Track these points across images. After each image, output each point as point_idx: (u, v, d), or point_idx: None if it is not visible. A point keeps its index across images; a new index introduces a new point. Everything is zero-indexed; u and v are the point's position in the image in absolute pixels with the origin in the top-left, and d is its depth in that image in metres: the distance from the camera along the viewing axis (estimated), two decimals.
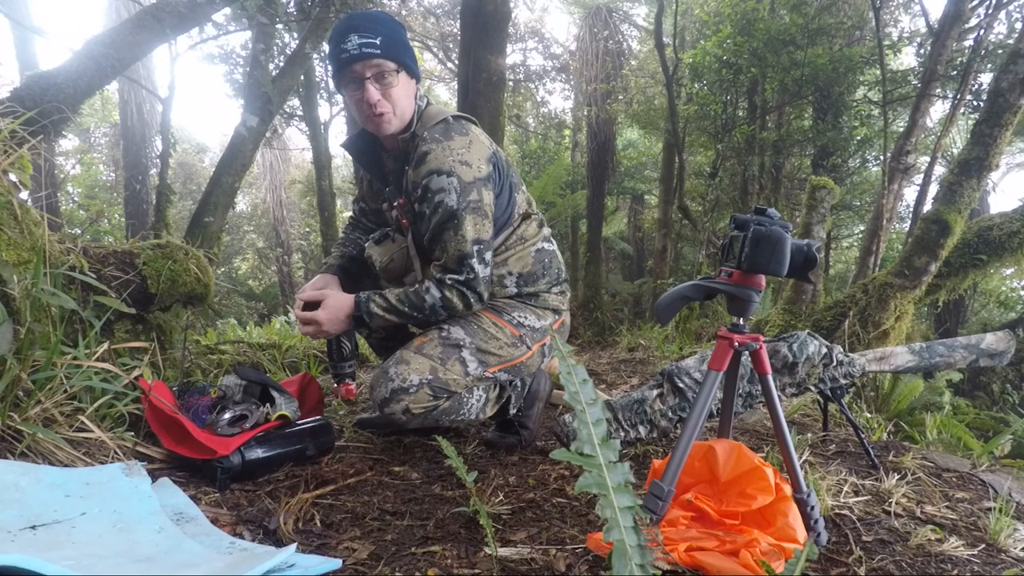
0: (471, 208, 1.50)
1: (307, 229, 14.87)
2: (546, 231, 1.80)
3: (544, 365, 1.83)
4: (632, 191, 11.28)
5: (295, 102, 7.76)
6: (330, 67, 1.60)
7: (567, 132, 11.82)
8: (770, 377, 1.17)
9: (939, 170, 5.65)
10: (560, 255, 1.82)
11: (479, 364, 1.61)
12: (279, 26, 4.16)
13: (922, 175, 4.95)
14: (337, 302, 1.59)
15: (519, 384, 1.81)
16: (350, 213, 1.99)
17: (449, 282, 1.55)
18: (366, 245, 1.77)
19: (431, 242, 1.57)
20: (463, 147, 1.51)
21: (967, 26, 4.71)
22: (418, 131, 1.55)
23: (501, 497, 1.41)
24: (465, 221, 1.49)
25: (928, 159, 5.25)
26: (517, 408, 1.82)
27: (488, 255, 1.57)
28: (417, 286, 1.57)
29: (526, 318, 1.70)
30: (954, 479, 1.64)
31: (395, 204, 1.63)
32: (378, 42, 1.47)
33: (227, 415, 1.52)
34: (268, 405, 1.60)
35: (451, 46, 10.16)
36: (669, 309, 1.19)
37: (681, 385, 1.79)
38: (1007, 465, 2.01)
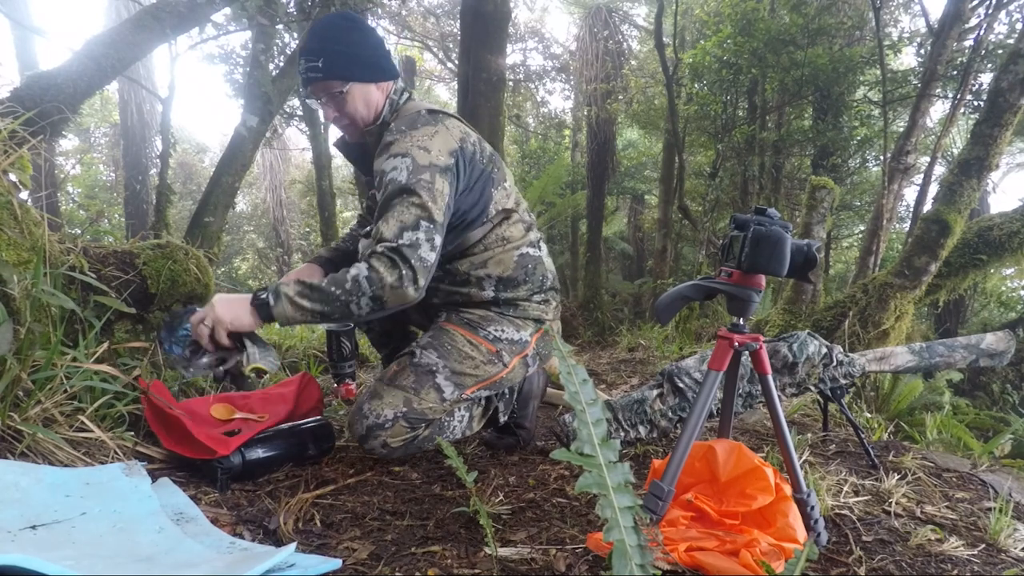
0: (422, 186, 1.39)
1: (307, 229, 14.86)
2: (533, 236, 1.70)
3: (531, 372, 1.75)
4: (632, 191, 11.29)
5: (295, 102, 7.75)
6: None
7: (567, 132, 11.83)
8: (770, 377, 1.17)
9: (939, 170, 5.66)
10: (549, 263, 1.72)
11: (455, 387, 1.54)
12: (279, 26, 4.16)
13: (922, 175, 4.95)
14: (228, 297, 1.42)
15: (507, 392, 1.76)
16: (351, 213, 2.00)
17: (380, 249, 1.36)
18: (361, 234, 1.75)
19: (377, 215, 1.43)
20: (426, 135, 1.45)
21: (967, 26, 4.71)
22: (391, 123, 1.54)
23: (501, 497, 1.41)
24: (413, 196, 1.38)
25: (928, 159, 5.25)
26: (509, 412, 1.80)
27: (437, 239, 1.40)
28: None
29: (503, 331, 1.61)
30: (954, 479, 1.64)
31: (370, 196, 1.62)
32: (320, 64, 1.46)
33: (204, 359, 1.39)
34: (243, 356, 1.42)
35: (451, 46, 10.16)
36: (669, 309, 1.19)
37: (681, 385, 1.79)
38: (1007, 465, 2.01)
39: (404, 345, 1.71)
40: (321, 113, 1.61)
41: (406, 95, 1.61)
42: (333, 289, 1.35)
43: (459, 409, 1.64)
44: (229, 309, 1.39)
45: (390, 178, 1.41)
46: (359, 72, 1.51)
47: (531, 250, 1.66)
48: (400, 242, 1.35)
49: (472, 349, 1.57)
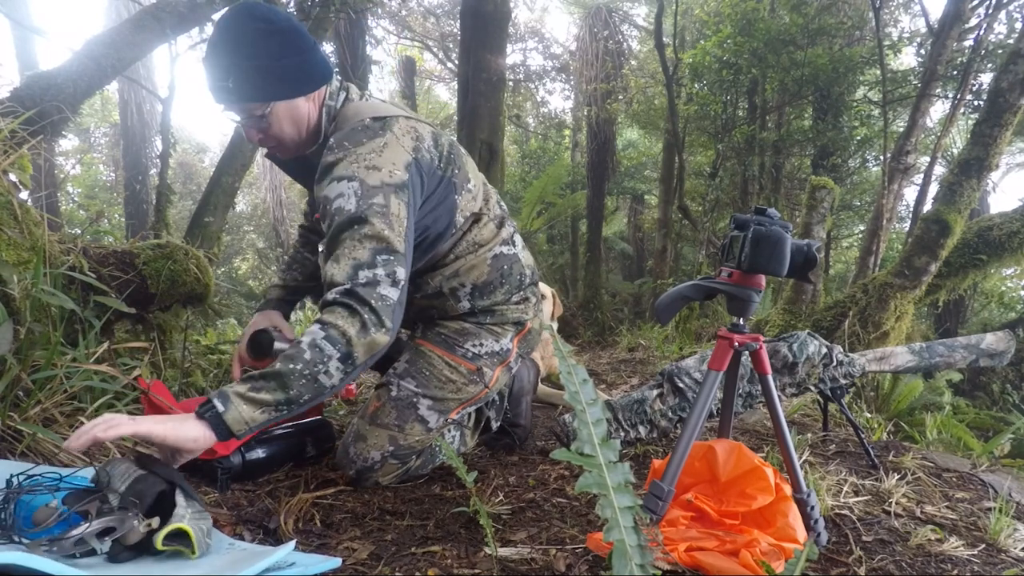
0: (374, 212, 1.18)
1: None
2: (506, 232, 1.56)
3: (516, 371, 1.69)
4: (632, 191, 11.28)
5: None
6: None
7: (567, 132, 11.82)
8: (770, 377, 1.17)
9: (939, 170, 5.66)
10: (526, 257, 1.61)
11: (439, 415, 1.48)
12: None
13: (922, 175, 4.95)
14: (160, 417, 1.08)
15: (495, 399, 1.71)
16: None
17: (331, 298, 1.15)
18: (305, 255, 1.64)
19: (325, 255, 1.22)
20: (373, 151, 1.24)
21: (967, 26, 4.71)
22: (330, 135, 1.32)
23: (501, 497, 1.41)
24: (365, 227, 1.17)
25: (928, 159, 5.25)
26: (502, 415, 1.77)
27: (400, 272, 1.19)
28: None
29: (482, 345, 1.51)
30: (954, 479, 1.64)
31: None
32: (231, 85, 1.22)
33: (80, 528, 0.88)
34: (153, 520, 0.95)
35: (451, 46, 10.16)
36: (669, 309, 1.19)
37: (681, 385, 1.79)
38: (1007, 465, 2.01)
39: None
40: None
41: (342, 95, 1.38)
42: (291, 367, 1.08)
43: (449, 430, 1.59)
44: (171, 431, 1.03)
45: (336, 207, 1.20)
46: (280, 88, 1.27)
47: (505, 249, 1.55)
48: (355, 283, 1.15)
49: (451, 371, 1.49)
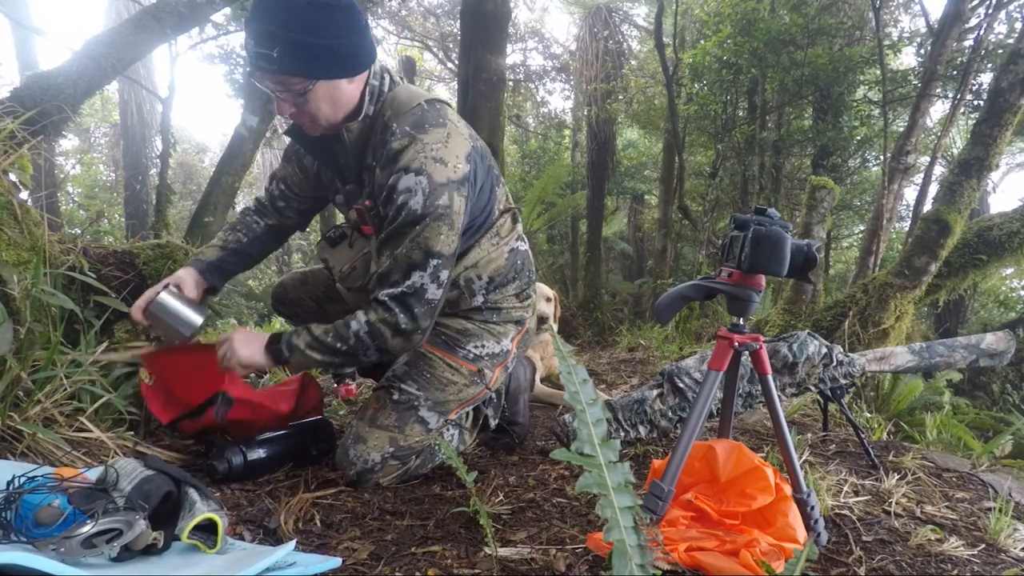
0: (437, 215, 1.26)
1: (307, 229, 14.84)
2: (520, 228, 1.59)
3: (511, 368, 1.69)
4: (632, 191, 11.28)
5: None
6: None
7: (567, 132, 11.82)
8: (770, 377, 1.17)
9: (939, 170, 5.66)
10: (531, 256, 1.64)
11: (439, 416, 1.49)
12: None
13: (922, 175, 4.95)
14: (247, 334, 1.40)
15: (493, 397, 1.71)
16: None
17: (382, 298, 1.30)
18: (319, 244, 1.57)
19: (382, 245, 1.32)
20: (439, 141, 1.28)
21: (967, 26, 4.71)
22: (389, 121, 1.32)
23: (501, 497, 1.41)
24: (427, 229, 1.26)
25: (928, 159, 5.25)
26: (500, 413, 1.77)
27: (444, 275, 1.31)
28: (348, 315, 1.35)
29: (483, 346, 1.52)
30: (954, 479, 1.64)
31: (359, 207, 1.39)
32: (275, 55, 1.17)
33: (86, 528, 0.87)
34: (157, 531, 0.94)
35: (451, 46, 10.16)
36: (669, 309, 1.19)
37: (681, 385, 1.79)
38: (1007, 465, 2.01)
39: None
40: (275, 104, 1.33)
41: (386, 77, 1.37)
42: (339, 346, 1.32)
43: (447, 429, 1.59)
44: (247, 345, 1.37)
45: (402, 201, 1.25)
46: (326, 68, 1.24)
47: (519, 244, 1.57)
48: (405, 286, 1.28)
49: (452, 373, 1.49)
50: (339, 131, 1.36)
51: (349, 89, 1.31)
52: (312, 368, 1.42)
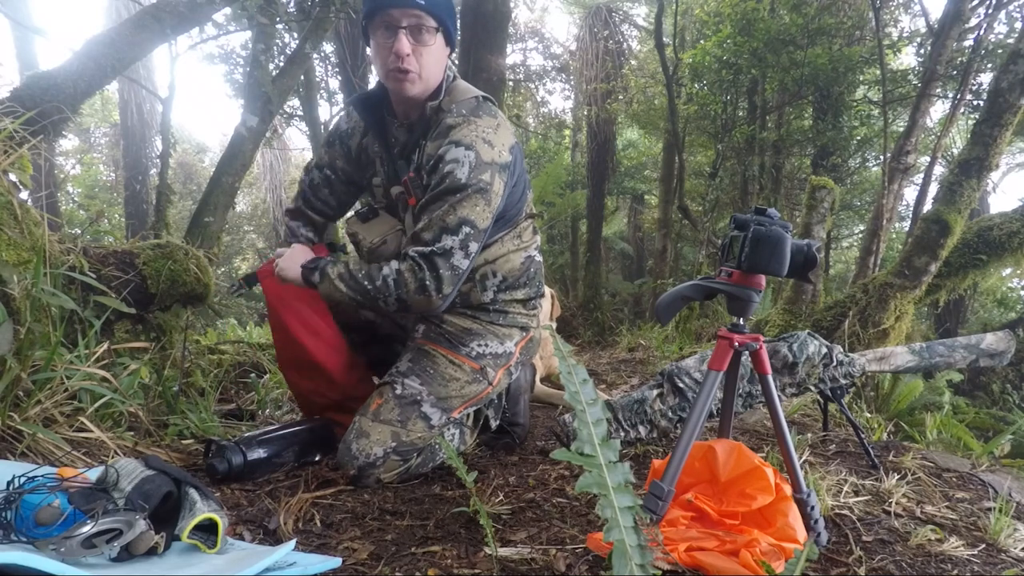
0: (479, 188, 1.35)
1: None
2: (538, 239, 1.67)
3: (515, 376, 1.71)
4: (632, 191, 11.28)
5: (295, 102, 7.75)
6: (363, 9, 1.39)
7: (567, 132, 11.82)
8: (770, 377, 1.17)
9: (939, 170, 5.66)
10: (543, 270, 1.71)
11: (442, 412, 1.50)
12: (279, 26, 4.16)
13: (922, 175, 4.95)
14: (300, 250, 1.54)
15: (494, 398, 1.72)
16: (351, 213, 1.75)
17: (412, 254, 1.37)
18: (347, 221, 1.63)
19: (421, 210, 1.39)
20: (490, 127, 1.40)
21: (967, 26, 4.70)
22: (444, 105, 1.43)
23: (501, 497, 1.41)
24: (466, 199, 1.34)
25: (928, 159, 5.25)
26: (500, 414, 1.78)
27: (473, 247, 1.37)
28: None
29: (486, 345, 1.56)
30: (954, 479, 1.64)
31: (405, 179, 1.47)
32: None
33: (86, 528, 0.87)
34: (159, 533, 0.94)
35: None
36: (669, 309, 1.19)
37: (681, 385, 1.79)
38: (1007, 465, 2.01)
39: (387, 352, 1.69)
40: (372, 50, 1.41)
41: (453, 71, 1.52)
42: (367, 284, 1.39)
43: (448, 429, 1.60)
44: (290, 257, 1.50)
45: (448, 170, 1.34)
46: (451, 28, 1.39)
47: (536, 254, 1.64)
48: (436, 247, 1.34)
49: (455, 370, 1.52)
50: (405, 108, 1.47)
51: (445, 60, 1.44)
52: (336, 301, 1.46)
